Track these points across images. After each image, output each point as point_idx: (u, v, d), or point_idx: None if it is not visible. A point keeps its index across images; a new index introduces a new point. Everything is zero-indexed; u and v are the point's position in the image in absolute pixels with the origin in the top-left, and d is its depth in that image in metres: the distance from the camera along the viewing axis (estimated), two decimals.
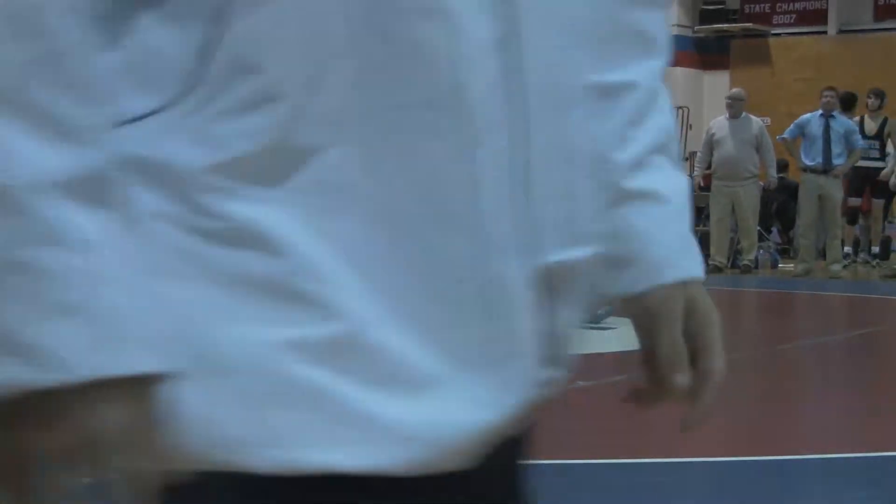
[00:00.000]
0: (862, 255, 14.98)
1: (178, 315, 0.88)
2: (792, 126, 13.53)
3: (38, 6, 0.82)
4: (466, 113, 0.91)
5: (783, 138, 13.52)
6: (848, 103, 14.71)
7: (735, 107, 13.44)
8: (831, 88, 13.39)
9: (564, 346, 1.06)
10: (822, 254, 14.98)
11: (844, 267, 14.21)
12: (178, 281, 0.89)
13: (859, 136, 13.44)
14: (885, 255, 15.02)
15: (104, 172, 0.85)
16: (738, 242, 13.78)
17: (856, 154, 13.37)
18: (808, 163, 13.18)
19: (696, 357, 1.17)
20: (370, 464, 0.90)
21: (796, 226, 16.04)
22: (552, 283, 0.99)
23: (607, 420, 5.72)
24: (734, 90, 13.86)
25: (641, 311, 1.17)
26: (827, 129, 13.05)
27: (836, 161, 13.11)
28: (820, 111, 13.21)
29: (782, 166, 16.15)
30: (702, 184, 14.10)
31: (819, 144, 13.06)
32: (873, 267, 14.51)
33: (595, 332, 8.23)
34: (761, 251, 14.15)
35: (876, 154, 14.33)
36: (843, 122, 13.21)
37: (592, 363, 7.20)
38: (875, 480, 4.51)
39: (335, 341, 0.89)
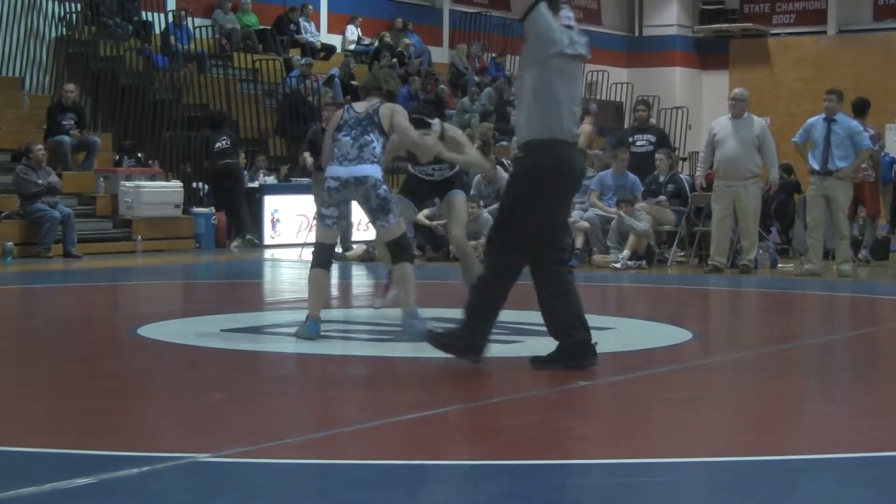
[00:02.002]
0: (863, 253, 14.98)
1: None
2: (801, 130, 13.47)
3: None
4: None
5: (795, 142, 13.48)
6: (860, 109, 14.64)
7: (738, 107, 13.44)
8: (832, 91, 13.31)
9: None
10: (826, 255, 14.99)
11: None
12: None
13: (865, 137, 13.37)
14: (884, 255, 15.03)
15: None
16: (738, 242, 13.78)
17: (862, 155, 13.33)
18: (814, 166, 13.16)
19: None
20: None
21: (795, 226, 16.05)
22: None
23: (607, 419, 5.72)
24: (737, 90, 13.84)
25: None
26: (829, 132, 13.02)
27: (840, 163, 13.05)
28: (823, 115, 13.16)
29: (787, 168, 16.15)
30: (703, 184, 14.09)
31: (821, 148, 13.04)
32: (868, 265, 14.56)
33: (595, 332, 8.22)
34: (760, 251, 14.14)
35: None
36: (845, 125, 13.14)
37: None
38: (875, 480, 4.51)
39: None
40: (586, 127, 16.19)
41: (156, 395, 6.24)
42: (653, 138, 15.63)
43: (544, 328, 8.12)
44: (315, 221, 8.04)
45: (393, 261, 7.86)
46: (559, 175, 6.48)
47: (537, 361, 6.67)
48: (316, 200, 15.56)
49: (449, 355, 6.69)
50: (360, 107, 7.94)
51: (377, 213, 7.74)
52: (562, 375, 6.73)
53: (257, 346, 7.78)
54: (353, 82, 21.85)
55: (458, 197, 9.12)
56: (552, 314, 6.64)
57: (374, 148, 7.75)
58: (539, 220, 6.51)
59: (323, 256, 7.84)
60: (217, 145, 17.32)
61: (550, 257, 6.61)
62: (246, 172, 18.07)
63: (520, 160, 6.66)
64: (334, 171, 7.71)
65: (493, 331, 8.25)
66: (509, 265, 6.58)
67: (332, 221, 7.81)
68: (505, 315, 8.99)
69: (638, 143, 15.54)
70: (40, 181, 15.14)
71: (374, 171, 7.72)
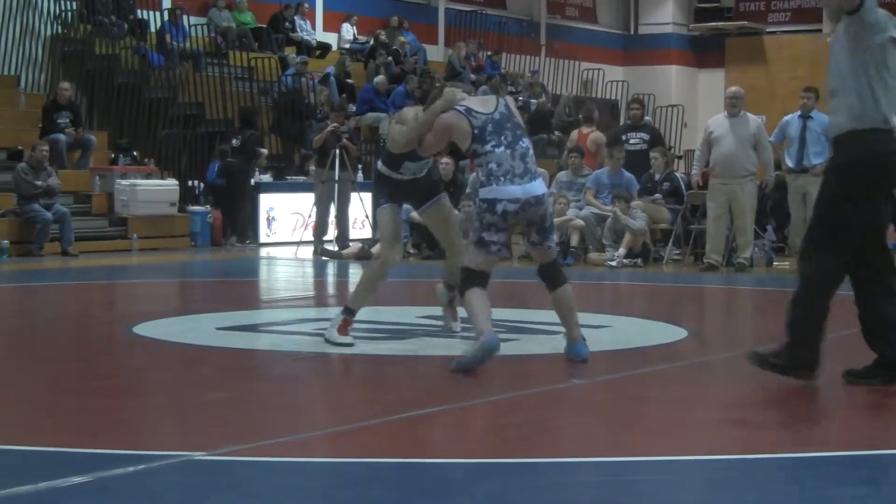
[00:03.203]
0: None
1: None
2: (776, 129, 13.61)
3: None
4: None
5: (771, 141, 13.59)
6: None
7: (735, 105, 13.46)
8: (809, 89, 13.43)
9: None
10: None
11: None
12: None
13: None
14: None
15: None
16: (734, 240, 13.79)
17: None
18: (790, 164, 13.28)
19: None
20: None
21: (791, 224, 16.07)
22: None
23: (603, 418, 5.72)
24: (733, 88, 13.88)
25: None
26: (804, 129, 13.12)
27: (816, 160, 13.16)
28: (799, 112, 13.28)
29: (777, 166, 16.17)
30: (699, 182, 14.11)
31: (797, 145, 13.14)
32: None
33: (591, 331, 8.22)
34: (756, 249, 14.15)
35: None
36: (821, 121, 13.22)
37: (589, 362, 7.19)
38: (873, 479, 4.51)
39: None
40: (598, 135, 16.30)
41: (151, 393, 6.24)
42: (646, 136, 15.65)
43: (541, 326, 8.02)
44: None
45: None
46: (880, 167, 6.06)
47: (852, 375, 6.33)
48: (317, 201, 15.52)
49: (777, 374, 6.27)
50: (486, 106, 6.71)
51: (548, 233, 6.71)
52: (558, 374, 6.73)
53: (253, 344, 7.77)
54: (349, 80, 21.85)
55: (446, 202, 7.61)
56: (871, 321, 6.25)
57: (533, 155, 6.70)
58: (859, 219, 6.07)
59: (482, 280, 6.59)
60: (231, 143, 17.49)
61: (872, 260, 6.18)
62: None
63: (833, 157, 6.26)
64: (509, 191, 6.50)
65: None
66: (831, 271, 6.11)
67: (498, 248, 6.68)
68: (502, 313, 8.99)
69: (632, 142, 15.56)
70: (39, 182, 15.06)
71: (545, 186, 6.80)
